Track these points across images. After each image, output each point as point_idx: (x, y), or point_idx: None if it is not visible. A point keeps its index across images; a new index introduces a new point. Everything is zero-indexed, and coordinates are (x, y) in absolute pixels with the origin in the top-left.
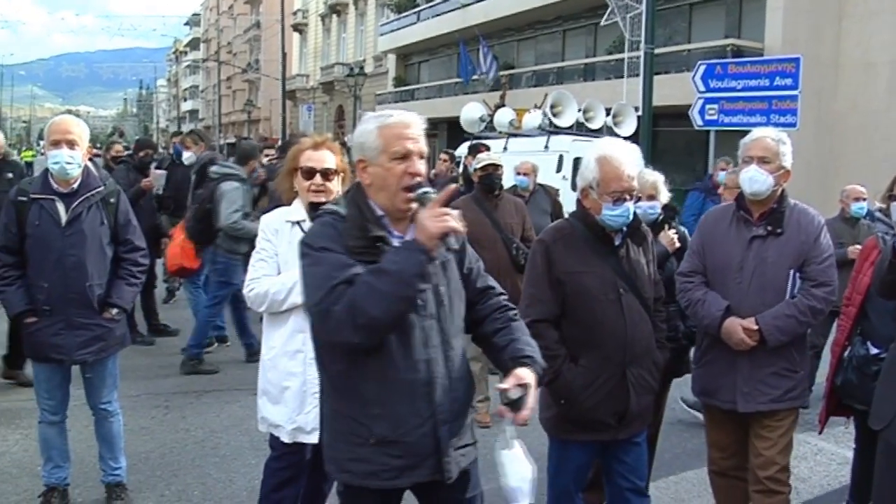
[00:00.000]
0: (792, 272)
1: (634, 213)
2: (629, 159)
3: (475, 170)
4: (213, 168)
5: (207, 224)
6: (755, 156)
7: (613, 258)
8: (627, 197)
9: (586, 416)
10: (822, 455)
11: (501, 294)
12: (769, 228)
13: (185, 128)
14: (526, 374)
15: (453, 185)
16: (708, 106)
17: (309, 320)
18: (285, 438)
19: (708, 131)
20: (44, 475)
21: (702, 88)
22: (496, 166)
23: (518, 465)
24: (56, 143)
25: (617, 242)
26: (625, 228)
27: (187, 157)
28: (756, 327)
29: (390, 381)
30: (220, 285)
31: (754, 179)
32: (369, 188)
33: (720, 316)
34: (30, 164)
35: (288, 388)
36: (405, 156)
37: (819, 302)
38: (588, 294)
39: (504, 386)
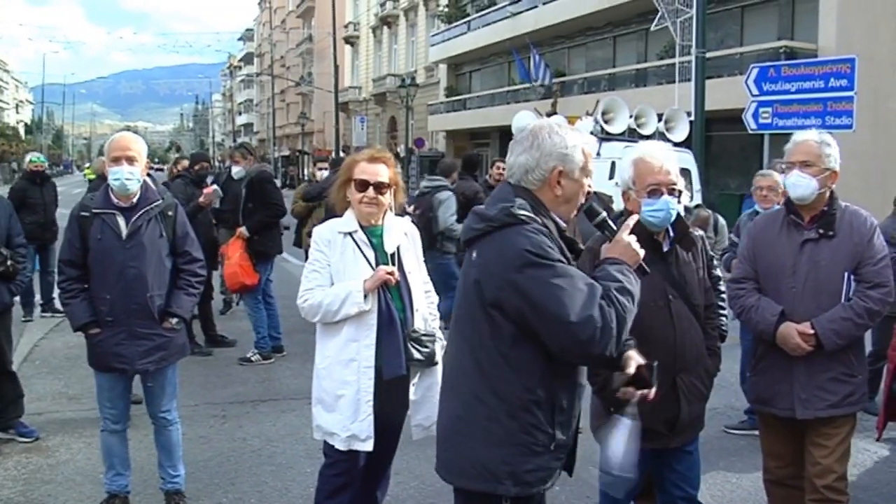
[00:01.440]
0: (846, 275)
1: (679, 217)
2: (664, 155)
3: None
4: (425, 183)
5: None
6: (797, 160)
7: (662, 264)
8: (664, 190)
9: None
10: (883, 463)
11: None
12: (821, 231)
13: (241, 141)
14: (636, 355)
15: (635, 216)
16: (761, 109)
17: (563, 334)
18: (340, 446)
19: (762, 135)
20: (105, 482)
21: (755, 92)
22: None
23: (633, 440)
24: (116, 160)
25: (665, 248)
26: (672, 233)
27: (236, 171)
28: (812, 332)
29: (577, 388)
30: (450, 276)
31: (797, 184)
32: (553, 200)
33: (774, 321)
34: (92, 181)
35: (342, 397)
36: (588, 174)
37: (875, 303)
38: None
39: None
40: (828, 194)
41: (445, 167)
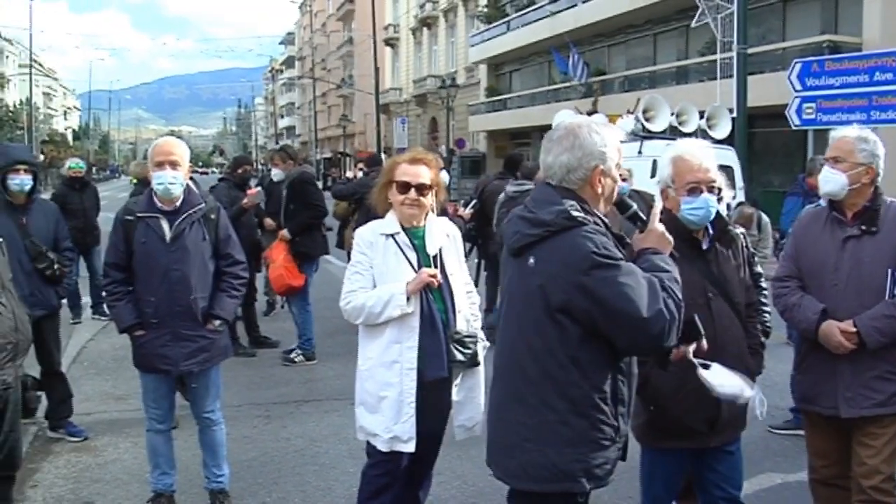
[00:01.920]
0: (890, 271)
1: (719, 214)
2: (703, 153)
3: None
4: (511, 188)
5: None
6: (829, 157)
7: (701, 261)
8: (704, 188)
9: (676, 422)
10: None
11: None
12: (863, 228)
13: (282, 144)
14: None
15: (660, 203)
16: (805, 105)
17: (635, 331)
18: (382, 447)
19: (806, 131)
20: (151, 481)
21: (798, 87)
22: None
23: (722, 376)
24: (160, 165)
25: (705, 246)
26: (711, 231)
27: (276, 174)
28: (854, 330)
29: (633, 379)
30: None
31: (826, 180)
32: (595, 198)
33: (816, 319)
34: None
35: (385, 398)
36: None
37: None
38: None
39: None
40: (871, 190)
41: (528, 171)
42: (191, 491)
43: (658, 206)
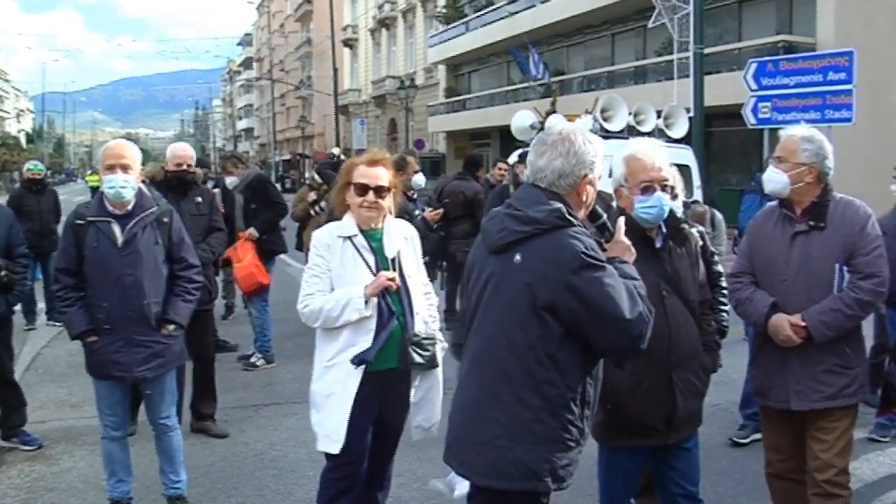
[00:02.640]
0: (838, 266)
1: (673, 213)
2: (655, 152)
3: None
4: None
5: None
6: (775, 156)
7: (655, 260)
8: (657, 187)
9: (633, 421)
10: (886, 456)
11: None
12: (811, 224)
13: (242, 146)
14: None
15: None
16: (761, 104)
17: (618, 332)
18: (318, 447)
19: (762, 130)
20: (108, 489)
21: (754, 87)
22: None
23: None
24: (110, 168)
25: (658, 244)
26: (665, 229)
27: (231, 181)
28: (803, 323)
29: (598, 381)
30: None
31: (769, 179)
32: (578, 204)
33: (766, 313)
34: (94, 189)
35: (329, 397)
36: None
37: (867, 294)
38: None
39: None
40: (820, 187)
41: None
42: (148, 498)
43: (622, 220)
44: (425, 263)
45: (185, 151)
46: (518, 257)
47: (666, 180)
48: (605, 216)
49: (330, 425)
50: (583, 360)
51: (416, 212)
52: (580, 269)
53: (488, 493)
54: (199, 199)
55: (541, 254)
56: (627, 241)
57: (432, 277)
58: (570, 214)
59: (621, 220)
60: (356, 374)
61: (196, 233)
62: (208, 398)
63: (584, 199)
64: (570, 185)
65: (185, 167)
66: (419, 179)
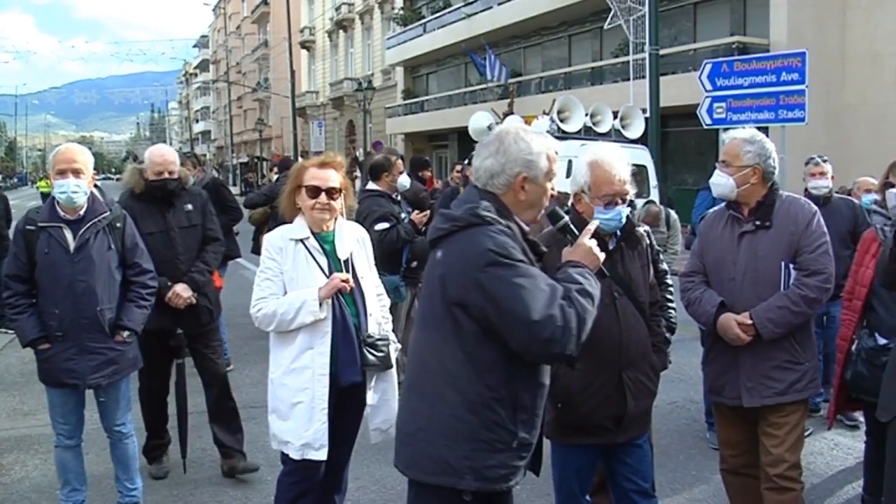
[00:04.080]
0: (783, 264)
1: (628, 217)
2: (620, 163)
3: None
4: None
5: None
6: (720, 159)
7: (607, 262)
8: (619, 201)
9: (584, 419)
10: (839, 450)
11: None
12: (758, 223)
13: (199, 149)
14: None
15: (595, 222)
16: (716, 104)
17: (524, 333)
18: (294, 455)
19: (717, 130)
20: (62, 499)
21: (709, 87)
22: None
23: None
24: (62, 173)
25: (611, 246)
26: (619, 232)
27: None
28: (750, 322)
29: (539, 388)
30: None
31: (715, 183)
32: (518, 204)
33: (713, 313)
34: (46, 195)
35: (297, 405)
36: (552, 178)
37: (812, 291)
38: None
39: None
40: (766, 186)
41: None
42: None
43: (594, 224)
44: (414, 268)
45: (164, 157)
46: (439, 254)
47: (627, 193)
48: (566, 218)
49: (309, 434)
50: (504, 361)
51: (403, 214)
52: (487, 266)
53: (418, 486)
54: (190, 207)
55: (454, 250)
56: (590, 245)
57: (416, 283)
58: (497, 213)
59: (592, 225)
60: (322, 381)
61: (190, 247)
62: (236, 429)
63: (522, 198)
64: (504, 185)
65: (166, 175)
66: (404, 181)
